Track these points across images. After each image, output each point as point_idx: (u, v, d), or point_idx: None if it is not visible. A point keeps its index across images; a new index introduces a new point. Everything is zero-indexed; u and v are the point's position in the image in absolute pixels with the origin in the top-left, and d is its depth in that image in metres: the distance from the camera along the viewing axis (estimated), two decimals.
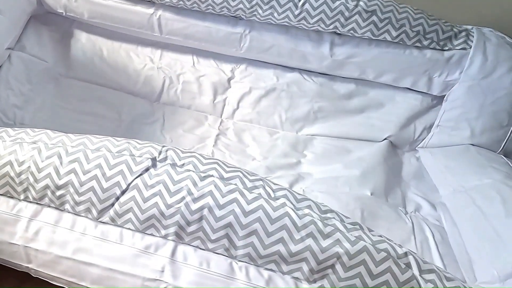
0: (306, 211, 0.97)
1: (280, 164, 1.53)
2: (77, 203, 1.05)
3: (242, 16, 1.63)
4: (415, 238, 1.33)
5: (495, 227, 1.20)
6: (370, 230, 1.00)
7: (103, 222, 1.06)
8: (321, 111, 1.66)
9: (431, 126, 1.62)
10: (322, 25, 1.57)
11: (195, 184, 0.98)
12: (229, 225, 0.96)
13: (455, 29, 1.57)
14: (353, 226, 0.97)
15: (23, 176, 1.06)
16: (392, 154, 1.57)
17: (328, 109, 1.66)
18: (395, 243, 0.97)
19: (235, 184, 0.99)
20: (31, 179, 1.06)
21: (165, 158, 1.04)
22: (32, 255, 1.10)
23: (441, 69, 1.58)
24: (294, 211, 0.95)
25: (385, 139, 1.61)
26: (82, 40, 1.79)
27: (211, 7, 1.61)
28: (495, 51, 1.54)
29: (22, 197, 1.09)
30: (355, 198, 1.40)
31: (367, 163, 1.51)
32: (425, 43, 1.55)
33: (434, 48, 1.56)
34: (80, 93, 1.69)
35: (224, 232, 0.97)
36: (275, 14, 1.57)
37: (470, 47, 1.55)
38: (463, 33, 1.58)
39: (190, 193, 0.98)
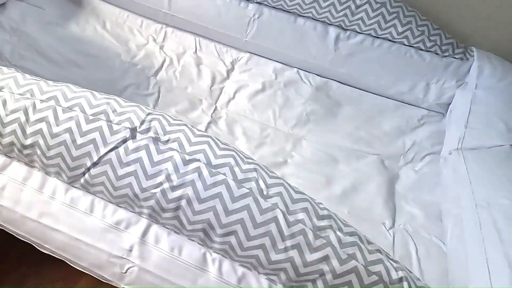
0: (300, 216, 0.84)
1: (266, 162, 1.42)
2: (46, 166, 0.92)
3: None
4: (393, 254, 1.26)
5: (510, 254, 1.06)
6: (369, 243, 0.88)
7: (75, 187, 0.94)
8: (314, 113, 1.60)
9: (421, 141, 1.57)
10: (333, 11, 1.56)
11: (176, 169, 0.84)
12: (207, 221, 0.84)
13: (456, 40, 1.59)
14: (350, 240, 0.84)
15: None
16: (382, 169, 1.48)
17: (320, 113, 1.61)
18: (393, 263, 0.86)
19: (224, 174, 0.84)
20: None
21: (148, 129, 0.88)
22: None
23: (438, 76, 1.58)
24: (284, 216, 0.82)
25: (373, 153, 1.53)
26: (87, 10, 1.74)
27: None
28: (500, 63, 1.57)
29: None
30: None
31: (350, 181, 1.43)
32: (428, 44, 1.55)
33: (435, 52, 1.57)
34: (75, 45, 1.58)
35: (201, 226, 0.86)
36: None
37: (467, 59, 1.57)
38: (462, 45, 1.59)
39: (169, 179, 0.84)
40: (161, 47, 1.71)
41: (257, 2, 1.64)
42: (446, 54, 1.57)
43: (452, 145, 1.45)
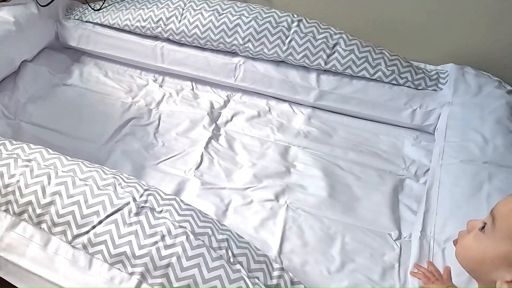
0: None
1: (268, 172, 1.40)
2: (55, 224, 0.97)
3: (237, 51, 1.67)
4: (399, 266, 1.18)
5: None
6: None
7: (75, 247, 0.97)
8: (311, 133, 1.59)
9: (420, 158, 1.50)
10: (307, 61, 1.61)
11: (169, 231, 0.95)
12: (192, 277, 0.90)
13: (426, 73, 1.60)
14: None
15: (9, 189, 1.01)
16: (386, 179, 1.42)
17: (318, 133, 1.59)
18: None
19: (203, 241, 0.96)
20: (17, 193, 1.00)
21: (146, 201, 1.00)
22: (2, 263, 1.01)
23: (419, 102, 1.56)
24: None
25: (376, 165, 1.48)
26: (90, 64, 1.86)
27: (209, 43, 1.66)
28: (475, 78, 1.57)
29: (3, 208, 1.02)
30: (337, 223, 1.26)
31: (354, 190, 1.37)
32: (401, 81, 1.57)
33: (409, 87, 1.57)
34: (80, 99, 1.66)
35: (186, 284, 0.91)
36: (265, 50, 1.61)
37: (441, 89, 1.56)
38: (434, 75, 1.60)
39: (163, 239, 0.93)
40: (161, 86, 1.78)
41: (240, 55, 1.70)
42: (420, 88, 1.56)
43: (434, 162, 1.39)
